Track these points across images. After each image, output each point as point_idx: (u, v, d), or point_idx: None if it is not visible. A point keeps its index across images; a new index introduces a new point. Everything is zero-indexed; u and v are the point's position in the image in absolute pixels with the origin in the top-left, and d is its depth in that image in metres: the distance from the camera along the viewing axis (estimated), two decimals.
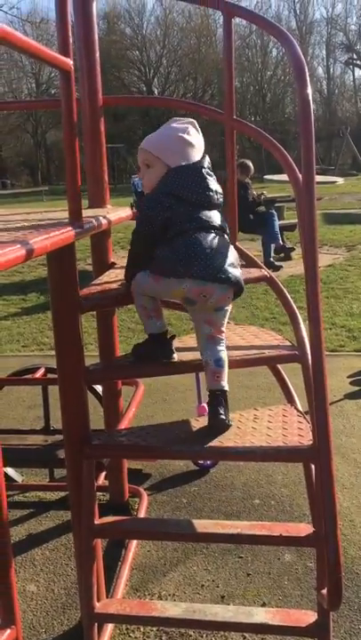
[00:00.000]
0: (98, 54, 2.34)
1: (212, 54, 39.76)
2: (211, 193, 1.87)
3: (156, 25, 39.97)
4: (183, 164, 1.85)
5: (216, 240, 1.83)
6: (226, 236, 1.90)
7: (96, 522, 1.88)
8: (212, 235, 1.84)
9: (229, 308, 1.90)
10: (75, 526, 2.02)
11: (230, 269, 1.82)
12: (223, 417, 1.79)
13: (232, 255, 1.86)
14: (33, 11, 30.85)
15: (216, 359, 1.81)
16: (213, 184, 1.88)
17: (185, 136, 1.87)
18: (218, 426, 1.80)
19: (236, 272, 1.84)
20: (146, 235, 1.86)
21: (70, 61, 1.64)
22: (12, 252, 1.31)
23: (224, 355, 1.83)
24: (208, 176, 1.88)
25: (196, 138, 1.90)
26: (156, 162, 1.88)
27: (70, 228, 1.71)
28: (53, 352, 5.65)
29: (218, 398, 1.80)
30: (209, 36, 39.17)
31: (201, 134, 1.93)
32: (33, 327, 6.45)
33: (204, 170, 1.87)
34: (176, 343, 2.17)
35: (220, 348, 1.84)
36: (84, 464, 1.87)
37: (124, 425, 2.37)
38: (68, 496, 2.94)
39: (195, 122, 1.93)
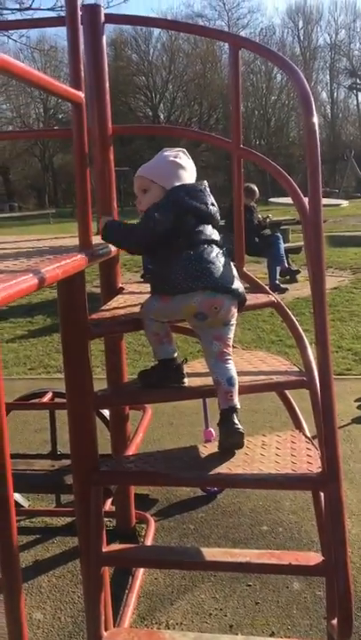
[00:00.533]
0: (107, 84, 2.39)
1: (217, 80, 40.39)
2: (213, 207, 1.97)
3: (162, 51, 40.70)
4: (179, 184, 1.94)
5: (221, 253, 1.91)
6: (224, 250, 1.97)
7: (104, 549, 1.87)
8: (217, 249, 1.91)
9: (235, 322, 1.94)
10: (82, 553, 2.01)
11: (236, 282, 1.90)
12: (239, 427, 1.81)
13: (234, 269, 1.96)
14: (42, 38, 31.44)
15: (228, 378, 1.85)
16: (213, 200, 1.99)
17: (177, 160, 1.98)
18: (234, 436, 1.82)
19: (240, 285, 1.93)
20: (148, 233, 1.89)
21: (82, 94, 1.68)
22: (25, 281, 1.33)
23: (234, 373, 1.87)
24: (208, 193, 1.99)
25: (187, 162, 2.01)
26: (152, 185, 1.97)
27: (81, 256, 1.73)
28: (60, 375, 5.66)
29: (231, 414, 1.82)
30: (214, 62, 39.83)
31: (191, 160, 2.03)
32: (40, 350, 6.46)
33: (202, 187, 1.98)
34: (185, 369, 2.18)
35: (229, 366, 1.87)
36: (92, 490, 1.87)
37: (131, 450, 2.36)
38: (74, 522, 2.94)
39: (185, 150, 2.04)
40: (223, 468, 1.82)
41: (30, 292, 1.37)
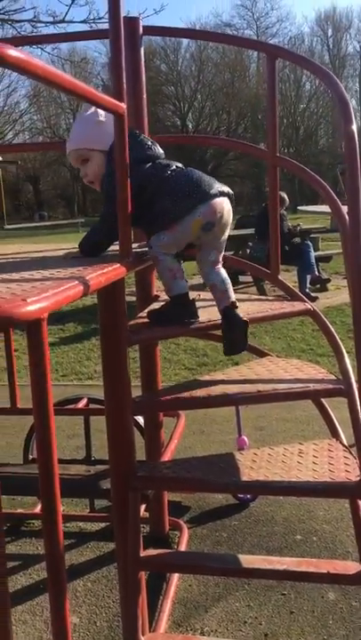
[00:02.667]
0: (145, 95, 2.43)
1: (245, 88, 40.52)
2: (154, 145, 2.01)
3: (190, 61, 40.98)
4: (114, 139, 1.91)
5: (194, 169, 2.00)
6: None
7: (141, 554, 1.89)
8: (183, 167, 2.01)
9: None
10: (119, 558, 2.03)
11: (221, 184, 1.98)
12: (242, 316, 1.97)
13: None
14: (72, 50, 32.00)
15: (221, 279, 2.00)
16: (150, 139, 2.04)
17: (101, 118, 1.97)
18: (240, 325, 1.96)
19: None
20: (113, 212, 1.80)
21: (124, 105, 1.71)
22: (71, 288, 1.36)
23: (226, 275, 2.03)
24: (140, 133, 2.04)
25: (109, 115, 1.92)
26: (90, 153, 1.97)
27: (122, 264, 1.76)
28: (92, 381, 5.71)
29: (232, 310, 1.97)
30: (242, 71, 39.97)
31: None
32: (71, 357, 6.54)
33: (133, 131, 1.98)
34: (220, 375, 2.20)
35: (221, 271, 2.03)
36: (130, 496, 1.89)
37: (166, 457, 2.38)
38: (108, 527, 2.97)
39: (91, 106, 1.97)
40: (260, 475, 1.83)
41: (76, 299, 1.40)
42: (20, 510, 3.15)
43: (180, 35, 2.60)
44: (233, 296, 2.00)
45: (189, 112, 41.95)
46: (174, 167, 1.98)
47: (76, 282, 1.42)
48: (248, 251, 9.23)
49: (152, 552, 1.95)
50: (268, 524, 3.00)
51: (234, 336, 1.98)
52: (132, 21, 2.34)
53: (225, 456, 2.01)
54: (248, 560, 1.85)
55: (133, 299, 2.66)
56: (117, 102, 1.66)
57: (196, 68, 40.37)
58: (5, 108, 37.38)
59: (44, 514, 1.39)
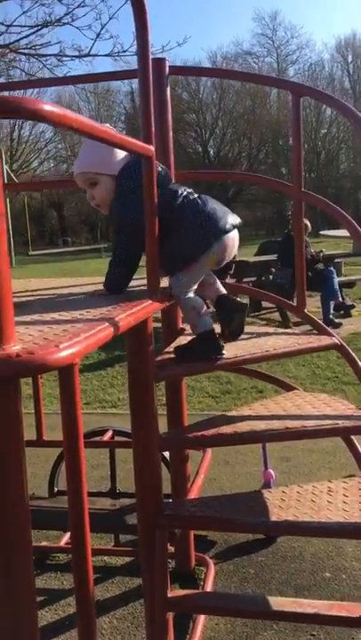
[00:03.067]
0: (171, 134, 2.47)
1: (266, 115, 40.92)
2: (162, 166, 1.96)
3: (212, 89, 41.61)
4: (123, 164, 1.91)
5: (200, 196, 1.97)
6: None
7: (169, 594, 1.87)
8: (195, 194, 1.97)
9: None
10: (146, 597, 2.01)
11: (232, 214, 1.97)
12: (236, 298, 2.07)
13: (218, 202, 2.00)
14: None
15: (208, 273, 2.09)
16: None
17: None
18: (239, 306, 2.05)
19: (234, 215, 1.99)
20: (136, 239, 1.81)
21: (152, 148, 1.74)
22: (102, 331, 1.37)
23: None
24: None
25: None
26: (99, 177, 1.93)
27: (150, 302, 1.78)
28: (115, 410, 5.71)
29: (227, 296, 2.06)
30: (263, 98, 40.38)
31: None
32: (95, 384, 6.55)
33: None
34: (247, 410, 2.19)
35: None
36: (158, 534, 1.88)
37: (193, 492, 2.37)
38: (134, 561, 2.94)
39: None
40: (290, 515, 1.81)
41: (106, 342, 1.42)
42: (44, 543, 3.14)
43: (205, 74, 2.65)
44: (222, 287, 2.12)
45: (211, 139, 42.47)
46: (184, 194, 1.94)
47: (107, 324, 1.43)
48: (271, 277, 9.22)
49: (180, 592, 1.93)
50: (295, 561, 2.94)
51: (236, 320, 2.04)
52: (159, 62, 2.39)
53: (253, 494, 1.99)
54: (278, 602, 1.82)
55: (158, 324, 2.67)
56: (146, 145, 1.70)
57: (218, 96, 40.96)
58: (31, 138, 38.25)
59: (73, 549, 1.39)
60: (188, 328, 2.66)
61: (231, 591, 2.69)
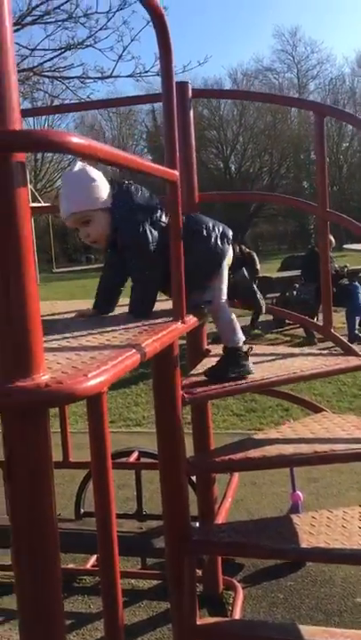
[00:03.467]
0: (194, 156, 2.49)
1: (287, 130, 40.96)
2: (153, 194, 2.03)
3: (232, 105, 41.81)
4: (113, 193, 1.94)
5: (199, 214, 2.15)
6: None
7: (198, 622, 1.84)
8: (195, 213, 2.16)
9: None
10: (174, 623, 1.98)
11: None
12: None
13: None
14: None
15: None
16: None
17: (92, 174, 1.93)
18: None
19: None
20: (151, 261, 1.88)
21: (177, 173, 1.75)
22: (129, 358, 1.37)
23: None
24: (131, 182, 2.04)
25: (94, 170, 1.96)
26: (93, 214, 1.91)
27: (176, 326, 1.77)
28: (140, 428, 5.68)
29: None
30: (284, 113, 40.46)
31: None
32: (119, 402, 6.56)
33: (124, 181, 2.02)
34: (275, 434, 2.16)
35: None
36: (186, 560, 1.86)
37: (221, 516, 2.34)
38: (161, 585, 2.91)
39: (79, 160, 1.95)
40: (320, 542, 1.77)
41: (133, 368, 1.41)
42: (71, 565, 3.13)
43: (228, 96, 2.68)
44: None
45: (232, 155, 42.63)
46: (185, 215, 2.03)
47: (133, 350, 1.43)
48: (295, 293, 9.17)
49: (209, 620, 1.90)
50: (325, 585, 2.88)
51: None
52: (181, 86, 2.41)
53: (282, 519, 1.97)
54: (310, 631, 1.78)
55: (183, 341, 2.67)
56: (171, 171, 1.71)
57: (238, 113, 41.15)
58: (55, 157, 38.82)
59: (101, 572, 1.38)
60: (213, 349, 2.66)
61: (260, 616, 2.64)
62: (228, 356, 2.07)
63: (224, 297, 2.07)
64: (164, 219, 1.95)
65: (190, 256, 1.86)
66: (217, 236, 2.06)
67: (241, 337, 2.07)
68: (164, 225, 1.93)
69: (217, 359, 2.18)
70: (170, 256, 1.84)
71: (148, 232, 1.89)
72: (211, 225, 2.07)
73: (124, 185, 1.99)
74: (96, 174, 1.95)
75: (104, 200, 1.92)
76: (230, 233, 2.13)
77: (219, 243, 2.05)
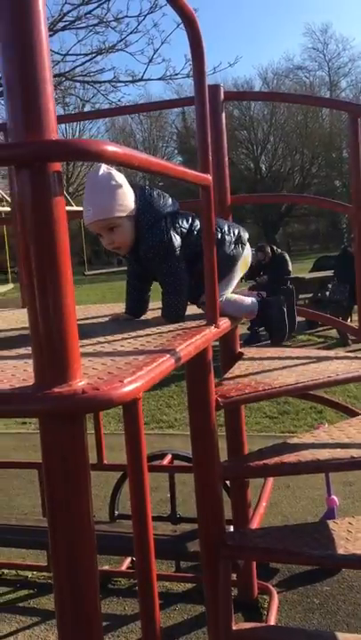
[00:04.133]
0: (226, 159, 2.48)
1: (318, 128, 40.53)
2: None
3: (263, 105, 41.57)
4: (135, 199, 1.95)
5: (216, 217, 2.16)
6: None
7: (234, 627, 1.83)
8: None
9: None
10: (210, 627, 1.97)
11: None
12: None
13: None
14: (149, 100, 33.33)
15: None
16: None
17: (118, 181, 1.93)
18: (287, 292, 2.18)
19: None
20: (179, 264, 1.93)
21: (210, 177, 1.75)
22: (164, 362, 1.38)
23: None
24: (153, 187, 2.07)
25: (121, 175, 1.96)
26: (118, 220, 1.91)
27: (209, 329, 1.77)
28: (172, 430, 5.69)
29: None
30: (315, 112, 40.06)
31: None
32: (151, 404, 6.58)
33: (147, 186, 2.05)
34: (310, 438, 2.14)
35: None
36: (221, 564, 1.85)
37: (256, 521, 2.33)
38: (195, 588, 2.91)
39: (102, 165, 1.93)
40: (357, 548, 1.75)
41: (168, 373, 1.42)
42: (106, 567, 3.15)
43: (261, 98, 2.66)
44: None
45: (262, 154, 42.39)
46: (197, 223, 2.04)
47: (168, 355, 1.43)
48: (328, 293, 9.07)
49: (245, 625, 1.89)
50: None
51: (275, 315, 2.13)
52: (213, 89, 2.41)
53: (317, 525, 1.94)
54: (348, 639, 1.76)
55: (216, 343, 2.65)
56: (204, 175, 1.71)
57: (269, 112, 40.91)
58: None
59: (138, 575, 1.38)
60: (246, 352, 2.64)
61: (296, 622, 2.62)
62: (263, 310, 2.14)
63: (225, 294, 2.08)
64: (184, 224, 1.98)
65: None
66: (232, 239, 2.08)
67: (254, 302, 2.14)
68: (184, 231, 1.97)
69: (253, 364, 2.17)
70: (190, 261, 1.93)
71: (173, 238, 1.92)
72: (226, 228, 2.08)
73: (146, 190, 2.01)
74: (122, 179, 1.96)
75: (129, 207, 1.93)
76: (246, 235, 2.14)
77: (233, 246, 2.07)
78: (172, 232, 1.93)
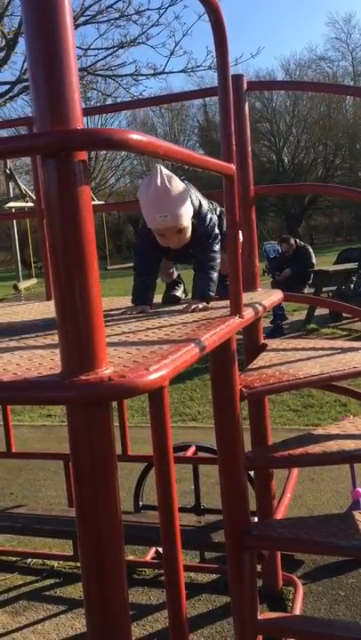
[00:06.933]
0: (249, 149, 2.47)
1: (342, 119, 40.03)
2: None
3: (285, 96, 41.18)
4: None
5: None
6: None
7: (259, 617, 1.84)
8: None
9: None
10: (235, 617, 1.98)
11: None
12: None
13: None
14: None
15: None
16: None
17: (186, 187, 2.05)
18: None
19: None
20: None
21: (233, 166, 1.74)
22: (188, 352, 1.38)
23: None
24: None
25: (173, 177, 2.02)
26: (188, 224, 2.07)
27: (233, 319, 1.77)
28: (195, 423, 5.69)
29: None
30: (338, 102, 39.56)
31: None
32: (174, 397, 6.59)
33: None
34: (335, 429, 2.13)
35: None
36: (246, 554, 1.86)
37: (280, 512, 2.32)
38: (220, 578, 2.92)
39: (161, 169, 2.01)
40: None
41: (193, 363, 1.42)
42: (131, 557, 3.18)
43: (284, 88, 2.64)
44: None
45: (285, 146, 42.01)
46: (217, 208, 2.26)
47: (192, 345, 1.44)
48: (352, 286, 8.98)
49: (270, 615, 1.89)
50: None
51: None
52: (237, 79, 2.39)
53: (343, 516, 1.93)
54: None
55: (239, 336, 2.65)
56: (228, 165, 1.70)
57: (291, 104, 40.50)
58: (108, 155, 39.28)
59: (165, 565, 1.39)
60: (269, 343, 2.63)
61: (321, 613, 2.61)
62: None
63: None
64: (212, 206, 2.21)
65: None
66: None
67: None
68: (215, 211, 2.20)
69: (277, 355, 2.16)
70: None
71: (216, 219, 2.14)
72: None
73: (186, 184, 2.11)
74: (183, 185, 2.05)
75: (194, 209, 2.08)
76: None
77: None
78: (213, 215, 2.16)
